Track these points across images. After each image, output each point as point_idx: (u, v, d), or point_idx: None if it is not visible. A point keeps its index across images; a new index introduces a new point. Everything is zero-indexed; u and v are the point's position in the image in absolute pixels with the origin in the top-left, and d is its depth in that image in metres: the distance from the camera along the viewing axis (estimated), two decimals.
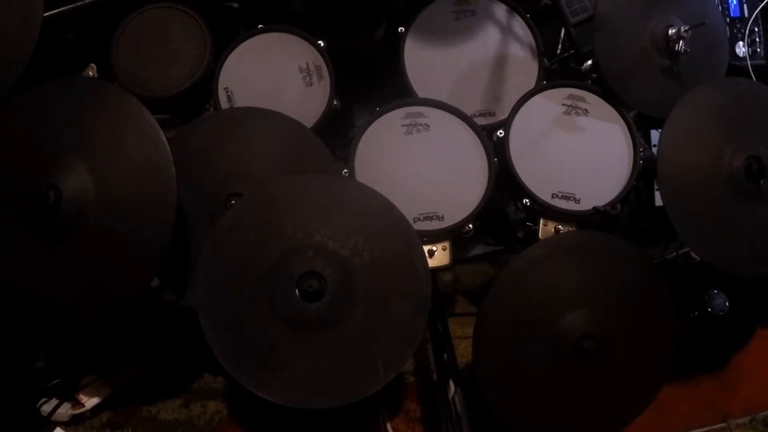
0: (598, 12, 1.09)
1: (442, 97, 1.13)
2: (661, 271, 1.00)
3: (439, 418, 1.08)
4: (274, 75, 1.15)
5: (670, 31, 1.09)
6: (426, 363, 1.24)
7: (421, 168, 1.08)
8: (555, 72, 1.27)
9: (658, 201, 1.23)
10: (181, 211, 0.96)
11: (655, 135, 1.24)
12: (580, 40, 1.17)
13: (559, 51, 1.32)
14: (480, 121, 1.13)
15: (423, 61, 1.18)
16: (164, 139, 0.92)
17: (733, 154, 1.02)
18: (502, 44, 1.20)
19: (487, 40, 1.20)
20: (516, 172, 1.08)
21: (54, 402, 1.12)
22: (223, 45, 1.15)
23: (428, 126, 1.10)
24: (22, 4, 0.93)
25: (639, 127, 1.15)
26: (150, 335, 1.18)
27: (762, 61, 1.31)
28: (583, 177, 1.09)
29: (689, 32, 1.08)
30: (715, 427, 1.21)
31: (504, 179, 1.09)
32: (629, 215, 1.25)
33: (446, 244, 1.06)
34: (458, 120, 1.11)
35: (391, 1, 1.23)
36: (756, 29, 1.32)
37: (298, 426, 1.09)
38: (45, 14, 0.95)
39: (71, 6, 1.05)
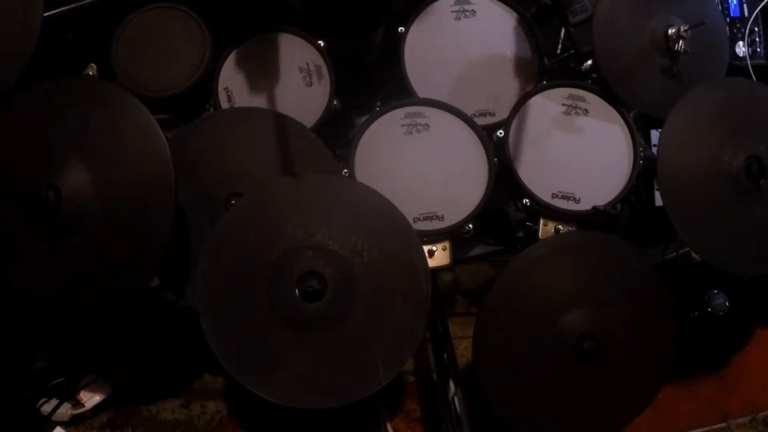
0: (598, 12, 1.09)
1: (442, 97, 1.13)
2: (661, 271, 0.99)
3: (439, 418, 1.07)
4: (274, 75, 1.15)
5: (670, 31, 1.09)
6: (426, 363, 1.24)
7: (421, 168, 1.08)
8: (555, 72, 1.27)
9: (658, 201, 1.23)
10: (181, 211, 0.96)
11: (655, 135, 1.24)
12: (580, 40, 1.17)
13: (559, 51, 1.32)
14: (480, 121, 1.13)
15: (423, 61, 1.17)
16: (164, 139, 0.92)
17: (733, 154, 1.02)
18: (502, 44, 1.20)
19: (487, 40, 1.20)
20: (516, 172, 1.08)
21: (54, 402, 1.12)
22: (223, 45, 1.15)
23: (428, 126, 1.10)
24: (22, 4, 0.93)
25: (639, 127, 1.15)
26: (150, 335, 1.18)
27: (762, 61, 1.31)
28: (583, 177, 1.09)
29: (689, 32, 1.08)
30: (715, 427, 1.21)
31: (504, 179, 1.09)
32: (629, 215, 1.25)
33: (446, 244, 1.06)
34: (458, 120, 1.11)
35: (391, 1, 1.23)
36: (756, 29, 1.32)
37: (298, 426, 1.09)
38: (45, 14, 0.95)
39: (71, 6, 1.05)
